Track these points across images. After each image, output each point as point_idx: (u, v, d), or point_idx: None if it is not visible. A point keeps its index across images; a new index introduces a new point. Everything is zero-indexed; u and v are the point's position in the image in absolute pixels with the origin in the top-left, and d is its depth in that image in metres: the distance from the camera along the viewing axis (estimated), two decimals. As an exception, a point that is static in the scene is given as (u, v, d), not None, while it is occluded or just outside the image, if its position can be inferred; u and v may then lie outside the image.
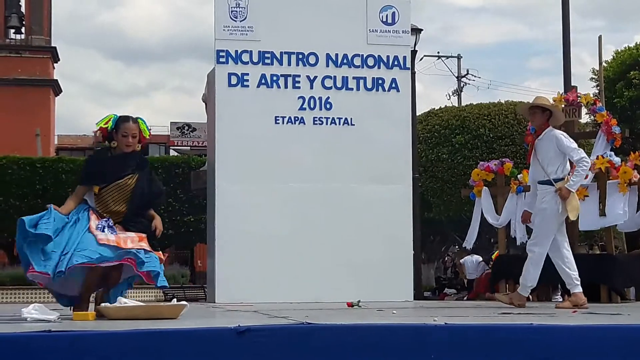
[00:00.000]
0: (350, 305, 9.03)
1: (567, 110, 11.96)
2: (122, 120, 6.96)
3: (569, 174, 8.75)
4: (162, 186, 7.41)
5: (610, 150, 11.13)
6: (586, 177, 9.90)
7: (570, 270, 8.92)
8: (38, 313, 6.25)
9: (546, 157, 8.82)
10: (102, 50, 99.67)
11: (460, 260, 19.72)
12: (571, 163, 8.81)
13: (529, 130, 12.34)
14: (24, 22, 38.39)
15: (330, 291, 10.48)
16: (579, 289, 8.88)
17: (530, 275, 8.96)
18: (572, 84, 15.47)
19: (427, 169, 23.11)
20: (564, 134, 9.02)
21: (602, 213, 10.72)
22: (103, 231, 6.68)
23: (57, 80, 40.05)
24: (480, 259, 15.00)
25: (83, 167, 7.02)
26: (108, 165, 6.93)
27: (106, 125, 6.87)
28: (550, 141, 8.80)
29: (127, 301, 6.62)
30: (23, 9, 38.34)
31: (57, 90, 40.43)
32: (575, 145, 8.90)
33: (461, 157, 22.70)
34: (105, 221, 6.77)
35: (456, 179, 22.20)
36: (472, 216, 12.87)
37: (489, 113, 23.21)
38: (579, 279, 8.94)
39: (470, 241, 13.00)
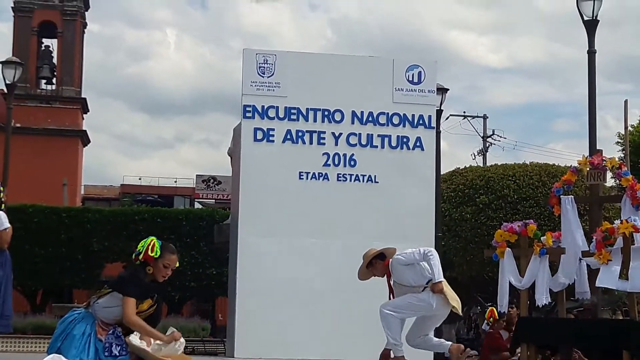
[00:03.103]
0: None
1: (592, 173, 11.91)
2: (167, 250, 6.94)
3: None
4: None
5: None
6: (612, 243, 9.80)
7: (390, 333, 8.80)
8: (57, 363, 6.27)
9: (405, 278, 8.85)
10: (128, 101, 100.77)
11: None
12: None
13: (554, 192, 12.32)
14: (55, 73, 38.94)
15: (350, 349, 10.43)
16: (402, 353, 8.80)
17: (394, 335, 8.82)
18: (598, 147, 15.43)
19: (451, 228, 23.01)
20: (397, 253, 8.93)
21: (625, 277, 10.61)
22: (111, 351, 6.67)
23: (85, 130, 40.45)
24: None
25: (131, 280, 6.86)
26: (147, 287, 6.91)
27: (153, 254, 6.86)
28: (398, 268, 8.85)
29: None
30: (55, 60, 38.91)
31: (85, 141, 40.82)
32: (411, 250, 8.86)
33: (485, 217, 22.62)
34: (112, 334, 6.72)
35: (479, 239, 22.06)
36: (499, 279, 12.75)
37: (513, 174, 23.15)
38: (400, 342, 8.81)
39: (503, 304, 12.81)
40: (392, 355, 8.78)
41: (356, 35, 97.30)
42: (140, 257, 6.86)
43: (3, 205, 10.80)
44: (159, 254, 6.85)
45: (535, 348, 12.10)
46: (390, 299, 8.94)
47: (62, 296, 29.30)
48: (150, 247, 6.86)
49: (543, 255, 11.87)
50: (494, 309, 14.33)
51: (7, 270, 10.57)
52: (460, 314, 9.05)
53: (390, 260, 8.91)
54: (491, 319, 14.22)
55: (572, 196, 12.30)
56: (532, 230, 12.38)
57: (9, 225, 10.58)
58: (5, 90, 20.19)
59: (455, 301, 8.85)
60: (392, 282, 8.95)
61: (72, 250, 26.44)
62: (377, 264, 8.95)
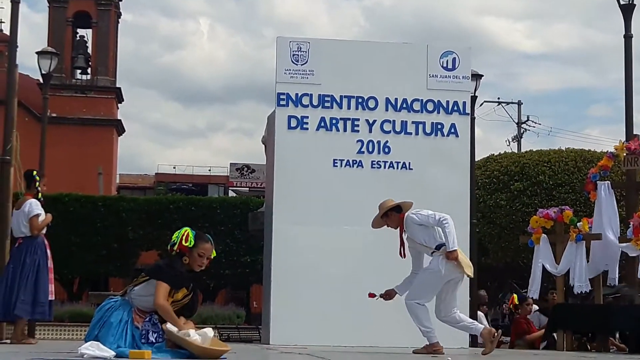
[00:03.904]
0: (373, 296, 8.98)
1: (629, 159, 11.82)
2: (201, 239, 6.97)
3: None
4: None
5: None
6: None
7: (417, 323, 8.77)
8: (94, 350, 6.33)
9: (418, 236, 8.83)
10: (161, 91, 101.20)
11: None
12: None
13: (590, 178, 12.23)
14: (90, 63, 39.19)
15: (385, 336, 10.42)
16: (435, 339, 8.73)
17: (424, 322, 8.77)
18: (634, 133, 15.27)
19: (485, 215, 22.93)
20: (414, 210, 8.89)
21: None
22: (148, 338, 6.71)
23: (120, 120, 40.71)
24: (537, 307, 14.79)
25: (166, 269, 6.88)
26: (182, 276, 6.94)
27: (187, 244, 6.90)
28: (411, 225, 8.82)
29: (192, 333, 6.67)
30: (89, 50, 39.17)
31: (120, 130, 41.08)
32: (428, 212, 8.80)
33: (520, 204, 22.51)
34: (148, 321, 6.76)
35: (514, 226, 21.98)
36: (532, 264, 12.70)
37: (548, 160, 23.01)
38: (431, 327, 8.73)
39: (535, 290, 12.76)
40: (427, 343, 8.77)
41: (389, 23, 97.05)
42: (175, 247, 6.90)
43: (40, 195, 10.92)
44: (192, 243, 6.89)
45: (571, 334, 12.05)
46: (400, 252, 8.93)
47: (98, 284, 29.58)
48: (184, 237, 6.90)
49: (579, 241, 11.81)
50: (515, 296, 14.28)
51: (39, 258, 10.68)
52: (471, 275, 8.98)
53: (406, 215, 8.91)
54: (511, 305, 14.19)
55: (609, 182, 12.21)
56: (568, 217, 12.31)
57: (39, 212, 10.70)
58: (41, 81, 20.34)
59: (468, 267, 8.82)
60: (405, 236, 8.95)
61: (108, 238, 26.67)
62: (392, 215, 8.97)
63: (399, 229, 8.95)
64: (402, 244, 8.95)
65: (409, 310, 8.79)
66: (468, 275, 8.91)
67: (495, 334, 8.64)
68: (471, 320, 9.16)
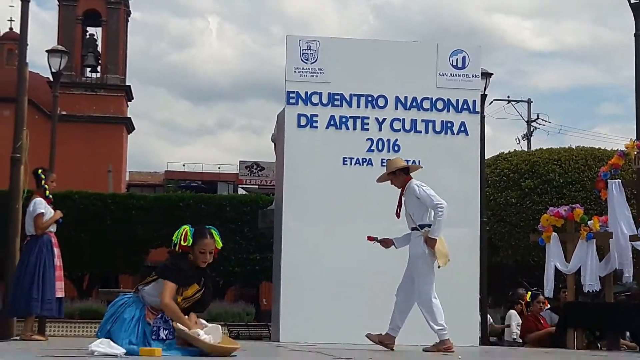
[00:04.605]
0: (371, 239, 9.16)
1: (639, 157, 11.78)
2: (199, 235, 6.97)
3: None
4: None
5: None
6: None
7: (432, 322, 8.81)
8: (105, 347, 6.34)
9: (410, 207, 8.98)
10: (171, 89, 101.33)
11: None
12: None
13: (600, 176, 12.19)
14: (99, 61, 39.26)
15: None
16: (447, 336, 8.76)
17: (434, 324, 8.79)
18: (645, 131, 15.21)
19: (496, 213, 22.88)
20: (422, 183, 9.03)
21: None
22: (158, 334, 6.72)
23: (130, 118, 40.76)
24: (548, 306, 14.78)
25: (172, 268, 6.89)
26: (188, 275, 6.94)
27: (186, 243, 6.91)
28: (411, 192, 8.96)
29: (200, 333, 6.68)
30: (99, 48, 39.23)
31: (130, 128, 41.14)
32: (430, 192, 8.90)
33: (530, 202, 22.46)
34: (160, 318, 6.78)
35: (524, 224, 21.93)
36: (545, 263, 12.67)
37: (559, 158, 22.95)
38: (445, 325, 8.78)
39: (549, 289, 12.74)
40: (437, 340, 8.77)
41: (399, 21, 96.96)
42: (176, 248, 6.93)
43: (47, 192, 10.93)
44: (191, 242, 6.90)
45: (582, 332, 12.03)
46: (396, 211, 9.09)
47: (108, 281, 29.64)
48: (182, 237, 6.92)
49: (590, 239, 11.79)
50: (529, 293, 14.29)
51: (44, 256, 10.71)
52: (443, 266, 8.95)
53: (411, 181, 9.04)
54: (524, 303, 14.19)
55: (620, 180, 12.19)
56: (578, 215, 12.29)
57: (42, 210, 10.71)
58: (51, 79, 20.37)
59: (443, 257, 8.87)
60: (402, 200, 9.08)
61: (118, 236, 26.71)
62: (400, 176, 9.11)
63: (401, 190, 9.10)
64: (399, 205, 9.11)
65: (424, 308, 8.79)
66: (439, 265, 8.93)
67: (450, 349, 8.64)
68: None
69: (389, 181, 9.20)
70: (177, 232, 6.97)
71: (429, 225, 8.83)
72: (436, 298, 8.83)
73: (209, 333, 6.73)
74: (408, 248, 9.06)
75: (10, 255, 12.13)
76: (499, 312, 26.34)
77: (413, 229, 8.99)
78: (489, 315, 16.34)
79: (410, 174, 9.16)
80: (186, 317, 6.80)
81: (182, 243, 6.90)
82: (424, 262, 8.84)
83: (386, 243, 9.29)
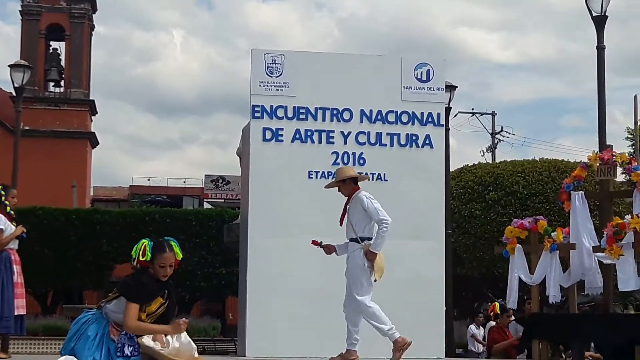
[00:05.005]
0: (316, 243, 9.27)
1: (603, 169, 11.89)
2: (158, 249, 6.90)
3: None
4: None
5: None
6: (621, 238, 9.78)
7: (379, 324, 9.01)
8: (69, 364, 6.29)
9: (354, 217, 9.13)
10: (135, 103, 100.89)
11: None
12: None
13: (564, 188, 12.29)
14: (63, 75, 38.99)
15: (361, 345, 10.40)
16: (397, 334, 8.95)
17: (382, 321, 8.99)
18: (607, 143, 15.40)
19: (460, 225, 23.01)
20: (370, 196, 9.19)
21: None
22: (123, 351, 6.68)
23: (94, 132, 40.50)
24: (512, 317, 14.89)
25: (134, 285, 6.85)
26: (150, 290, 6.89)
27: (144, 258, 6.84)
28: (357, 203, 9.12)
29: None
30: (63, 63, 38.97)
31: (94, 143, 40.88)
32: (378, 206, 9.06)
33: (494, 214, 22.60)
34: (125, 335, 6.73)
35: (489, 236, 22.06)
36: (509, 274, 12.74)
37: (522, 170, 23.13)
38: (392, 325, 8.96)
39: (512, 300, 12.80)
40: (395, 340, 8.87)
41: (364, 34, 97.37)
42: (135, 263, 6.87)
43: (8, 208, 10.81)
44: (149, 256, 6.84)
45: (546, 344, 12.08)
46: (340, 220, 9.20)
47: (72, 297, 29.38)
48: (141, 252, 6.85)
49: (554, 251, 11.87)
50: (496, 304, 14.37)
51: (2, 274, 10.59)
52: (378, 279, 9.11)
53: (359, 192, 9.16)
54: (491, 313, 14.28)
55: (582, 192, 12.28)
56: (542, 227, 12.36)
57: (1, 226, 10.60)
58: (14, 93, 20.26)
59: (379, 271, 9.02)
60: (347, 209, 9.18)
61: (82, 251, 26.52)
62: (349, 184, 9.23)
63: (347, 199, 9.22)
64: (344, 213, 9.20)
65: (366, 314, 8.95)
66: (375, 279, 9.07)
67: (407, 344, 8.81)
68: (358, 337, 9.21)
69: (337, 188, 9.28)
70: (135, 246, 6.90)
71: (369, 239, 8.98)
72: (373, 303, 8.97)
73: (180, 345, 6.67)
74: (346, 260, 9.13)
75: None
76: (464, 324, 26.43)
77: (352, 239, 9.13)
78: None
79: (359, 184, 9.28)
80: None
81: (141, 258, 6.81)
82: (364, 274, 9.02)
83: (329, 249, 9.43)
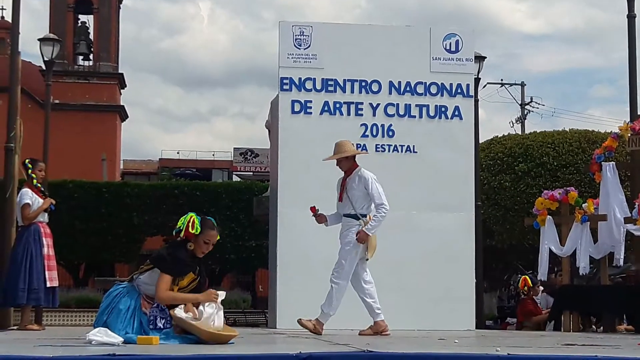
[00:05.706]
0: (314, 210, 9.30)
1: (634, 139, 11.80)
2: (207, 226, 6.96)
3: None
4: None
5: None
6: None
7: (370, 301, 9.12)
8: (102, 336, 6.34)
9: (354, 194, 9.07)
10: (163, 76, 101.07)
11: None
12: None
13: (595, 159, 12.21)
14: (92, 49, 39.08)
15: (391, 319, 10.41)
16: (380, 318, 9.09)
17: (334, 304, 9.11)
18: (639, 113, 15.25)
19: (490, 197, 22.91)
20: (374, 176, 9.12)
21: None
22: (156, 324, 6.72)
23: (123, 106, 40.63)
24: (542, 288, 14.83)
25: (169, 258, 6.86)
26: (185, 264, 6.92)
27: (194, 231, 6.88)
28: (360, 180, 9.06)
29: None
30: (91, 36, 39.06)
31: (124, 116, 41.02)
32: (381, 190, 9.02)
33: (524, 185, 22.48)
34: (156, 307, 6.77)
35: (519, 207, 21.95)
36: (540, 246, 12.70)
37: (552, 141, 22.95)
38: (380, 307, 9.08)
39: (543, 272, 12.77)
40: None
41: (390, 4, 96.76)
42: (182, 234, 6.91)
43: (35, 182, 10.88)
44: (199, 230, 6.89)
45: (577, 315, 12.06)
46: (339, 197, 9.20)
47: (104, 270, 29.63)
48: (190, 224, 6.89)
49: (585, 222, 11.81)
50: (527, 278, 14.30)
51: (30, 246, 10.69)
52: (369, 258, 9.16)
53: (363, 171, 9.12)
54: (525, 287, 14.20)
55: (613, 162, 12.21)
56: (573, 198, 12.32)
57: (27, 201, 10.68)
58: (44, 67, 20.31)
59: (372, 250, 9.08)
60: (347, 184, 9.12)
61: (113, 224, 26.66)
62: (349, 160, 9.19)
63: (345, 174, 9.18)
64: (342, 189, 9.18)
65: (336, 285, 9.06)
66: (367, 258, 9.13)
67: (384, 332, 8.91)
68: (378, 305, 9.24)
69: (335, 163, 9.26)
70: (182, 218, 6.94)
71: (365, 216, 8.97)
72: (344, 282, 9.04)
73: (212, 313, 6.72)
74: (340, 232, 9.12)
75: (5, 246, 12.12)
76: (494, 296, 26.43)
77: (349, 215, 9.12)
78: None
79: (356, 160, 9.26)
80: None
81: (190, 230, 6.87)
82: (357, 249, 9.05)
83: (320, 219, 9.43)
